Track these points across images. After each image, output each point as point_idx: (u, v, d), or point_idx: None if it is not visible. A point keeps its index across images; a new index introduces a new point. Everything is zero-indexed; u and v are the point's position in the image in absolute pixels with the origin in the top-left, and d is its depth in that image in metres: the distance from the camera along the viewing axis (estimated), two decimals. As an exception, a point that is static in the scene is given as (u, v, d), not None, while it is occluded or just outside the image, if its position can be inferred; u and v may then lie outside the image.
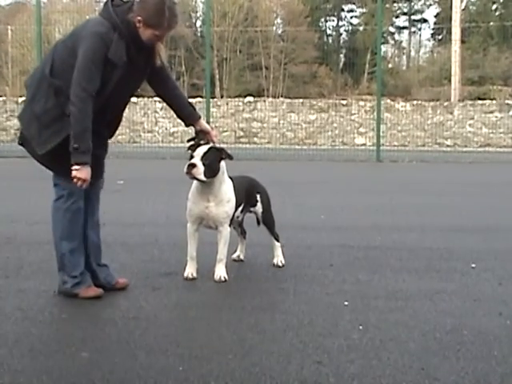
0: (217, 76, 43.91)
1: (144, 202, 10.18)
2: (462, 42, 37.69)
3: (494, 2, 53.24)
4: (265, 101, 30.19)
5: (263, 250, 6.52)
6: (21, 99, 22.15)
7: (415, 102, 29.93)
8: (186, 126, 5.50)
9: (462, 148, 27.39)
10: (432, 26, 59.52)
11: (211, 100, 23.29)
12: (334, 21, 60.28)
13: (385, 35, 50.86)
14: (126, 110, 5.28)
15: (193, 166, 5.33)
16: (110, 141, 5.27)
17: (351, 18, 60.68)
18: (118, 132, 5.34)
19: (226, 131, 29.01)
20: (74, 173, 4.72)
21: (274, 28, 51.55)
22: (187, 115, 5.43)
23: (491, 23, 47.63)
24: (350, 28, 58.78)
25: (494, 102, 29.95)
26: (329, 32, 58.47)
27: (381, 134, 21.20)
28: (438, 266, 6.27)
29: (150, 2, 4.78)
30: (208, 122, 19.72)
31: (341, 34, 58.18)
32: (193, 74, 45.29)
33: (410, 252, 6.82)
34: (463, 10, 44.47)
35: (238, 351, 3.96)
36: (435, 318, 4.66)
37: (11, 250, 6.74)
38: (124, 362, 3.78)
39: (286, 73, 46.27)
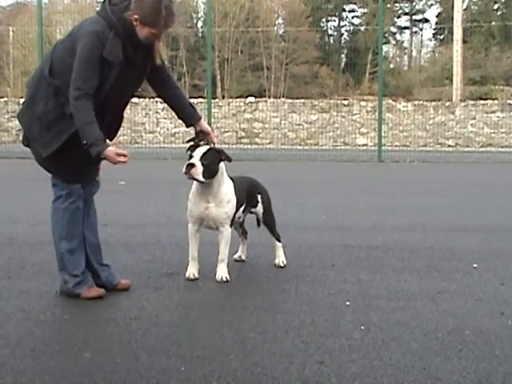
0: (218, 76, 43.90)
1: (146, 203, 10.19)
2: (464, 41, 37.67)
3: (495, 2, 53.19)
4: (266, 101, 30.18)
5: (265, 251, 6.53)
6: (22, 100, 22.14)
7: (417, 102, 29.91)
8: (187, 126, 5.50)
9: (464, 148, 27.36)
10: (433, 26, 59.57)
11: (212, 100, 23.28)
12: (335, 21, 60.28)
13: (386, 35, 50.89)
14: (127, 110, 5.29)
15: (191, 166, 5.33)
16: (111, 142, 5.27)
17: (352, 18, 60.73)
18: (119, 133, 5.33)
19: (228, 132, 29.02)
20: (108, 160, 4.73)
21: (276, 28, 51.52)
22: (188, 116, 5.43)
23: (493, 23, 47.60)
24: (352, 28, 58.80)
25: (496, 101, 29.91)
26: (330, 32, 58.51)
27: (382, 134, 21.19)
28: (439, 265, 6.27)
29: (147, 0, 4.78)
30: (209, 123, 19.79)
31: (342, 34, 58.17)
32: (194, 74, 45.28)
33: (412, 252, 6.82)
34: (465, 9, 44.44)
35: (240, 351, 3.97)
36: (437, 317, 4.66)
37: (13, 250, 6.75)
38: (126, 363, 3.79)
39: (288, 73, 46.24)
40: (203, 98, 25.34)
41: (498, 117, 28.53)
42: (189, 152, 5.45)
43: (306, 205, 10.22)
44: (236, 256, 6.34)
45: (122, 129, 5.33)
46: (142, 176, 15.08)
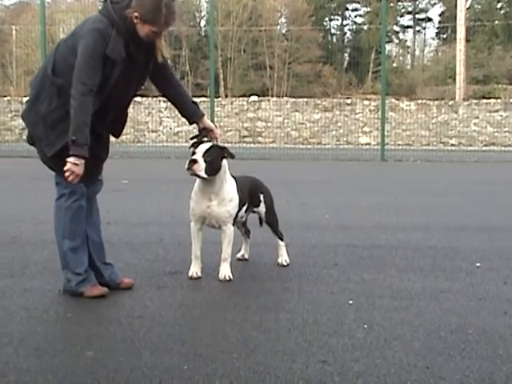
0: (221, 75, 43.87)
1: (148, 202, 10.19)
2: (467, 40, 37.63)
3: (498, 1, 53.07)
4: (269, 100, 30.19)
5: (268, 250, 6.53)
6: (25, 99, 22.14)
7: (420, 101, 29.90)
8: (190, 124, 5.50)
9: (467, 147, 27.35)
10: (437, 25, 59.46)
11: (215, 99, 23.33)
12: (338, 20, 60.24)
13: (389, 34, 50.79)
14: (131, 109, 5.28)
15: (194, 162, 5.33)
16: (114, 140, 5.28)
17: (355, 17, 60.67)
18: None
19: (231, 131, 29.03)
20: (67, 165, 4.70)
21: (278, 27, 51.43)
22: (191, 113, 5.43)
23: (496, 22, 47.54)
24: (355, 27, 58.71)
25: (499, 100, 29.92)
26: (333, 31, 58.46)
27: (385, 133, 21.21)
28: (442, 265, 6.26)
29: None
30: (212, 122, 19.71)
31: (345, 33, 58.15)
32: (197, 73, 45.23)
33: (415, 251, 6.82)
34: (468, 8, 44.38)
35: (243, 350, 3.97)
36: (440, 316, 4.66)
37: (16, 249, 6.76)
38: (129, 361, 3.79)
39: (291, 72, 46.16)
40: (206, 96, 25.31)
41: (501, 116, 28.52)
42: (192, 148, 5.45)
43: (308, 204, 10.22)
44: (239, 255, 6.34)
45: (124, 128, 5.33)
46: (144, 175, 15.10)
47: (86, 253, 5.12)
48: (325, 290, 5.33)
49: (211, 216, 5.58)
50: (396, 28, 57.54)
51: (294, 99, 30.29)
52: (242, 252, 6.38)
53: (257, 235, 6.55)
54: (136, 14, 4.77)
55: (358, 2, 58.56)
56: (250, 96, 31.27)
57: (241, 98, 30.80)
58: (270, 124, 29.31)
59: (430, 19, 60.20)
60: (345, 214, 9.35)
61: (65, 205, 5.01)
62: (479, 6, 54.03)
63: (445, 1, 55.76)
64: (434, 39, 60.62)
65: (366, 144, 27.94)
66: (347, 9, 59.40)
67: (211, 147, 5.40)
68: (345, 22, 60.60)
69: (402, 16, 59.19)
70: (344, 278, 5.74)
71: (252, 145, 26.34)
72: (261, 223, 6.35)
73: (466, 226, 8.33)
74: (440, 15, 58.21)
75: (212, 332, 4.31)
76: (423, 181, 14.48)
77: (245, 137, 29.22)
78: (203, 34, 48.83)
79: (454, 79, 36.50)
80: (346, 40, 57.51)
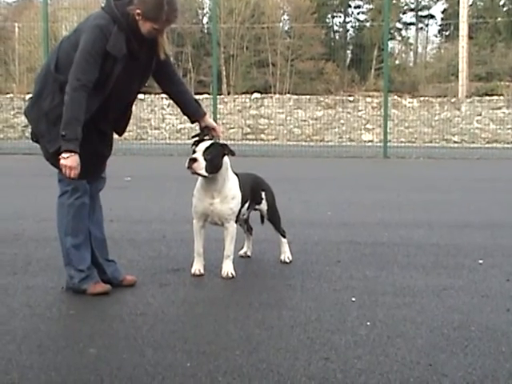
0: (224, 73, 43.89)
1: (151, 199, 10.20)
2: (470, 37, 37.59)
3: (501, -2, 53.12)
4: (272, 97, 30.17)
5: (270, 247, 6.53)
6: (28, 96, 22.15)
7: (422, 99, 29.87)
8: (192, 122, 5.50)
9: (470, 144, 27.34)
10: (439, 22, 59.50)
11: (218, 97, 23.31)
12: (340, 17, 60.21)
13: (392, 31, 50.78)
14: (133, 106, 5.28)
15: (194, 160, 5.32)
16: (117, 138, 5.28)
17: (358, 14, 60.71)
18: (123, 129, 5.33)
19: (233, 128, 29.03)
20: (61, 161, 4.71)
21: (281, 24, 51.48)
22: (193, 111, 5.43)
23: (499, 19, 47.52)
24: (357, 24, 58.66)
25: (502, 97, 29.89)
26: (336, 28, 58.48)
27: (388, 130, 21.20)
28: (445, 262, 6.26)
29: None
30: (215, 119, 19.78)
31: (348, 30, 58.14)
32: (200, 70, 45.27)
33: (418, 248, 6.82)
34: (470, 5, 44.33)
35: (246, 347, 3.97)
36: (443, 314, 4.66)
37: (19, 246, 6.76)
38: (132, 358, 3.79)
39: (293, 69, 46.21)
40: (209, 94, 25.33)
41: (503, 113, 28.49)
42: (193, 147, 5.45)
43: (311, 201, 10.22)
44: (241, 252, 6.34)
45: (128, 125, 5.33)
46: (147, 172, 15.11)
47: (89, 250, 5.12)
48: (327, 287, 5.33)
49: (214, 213, 5.57)
50: (398, 25, 57.54)
51: (296, 96, 30.27)
52: (244, 249, 6.38)
53: (259, 232, 6.56)
54: (138, 11, 4.77)
55: (361, -1, 58.58)
56: (252, 93, 31.26)
57: (243, 95, 30.80)
58: (272, 121, 29.31)
59: (432, 16, 60.25)
60: (347, 210, 9.35)
61: (67, 202, 5.01)
62: (482, 3, 53.96)
63: (447, -2, 55.72)
64: (436, 36, 60.72)
65: (369, 141, 27.91)
66: (350, 6, 59.42)
67: (211, 145, 5.39)
68: (347, 19, 60.63)
69: (404, 13, 59.17)
70: (347, 275, 5.74)
71: (254, 142, 26.35)
72: (262, 221, 6.35)
73: (468, 223, 8.33)
74: (442, 12, 58.21)
75: (215, 329, 4.31)
76: (426, 178, 14.48)
77: (247, 134, 29.23)
78: (206, 31, 48.94)
79: (457, 76, 36.47)
80: (348, 37, 57.51)
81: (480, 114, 28.68)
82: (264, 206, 6.11)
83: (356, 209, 9.52)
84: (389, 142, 21.19)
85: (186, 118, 5.48)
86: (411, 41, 59.63)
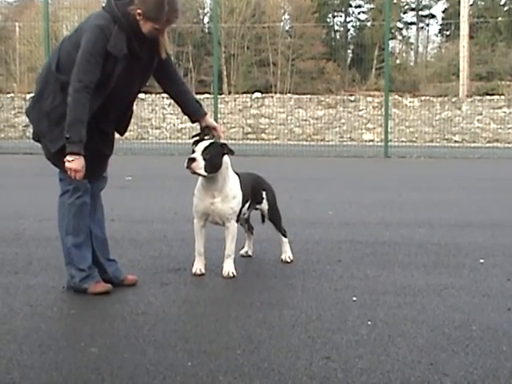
0: (224, 72, 43.88)
1: (152, 198, 10.20)
2: (470, 37, 37.57)
3: (502, -3, 53.09)
4: (272, 97, 30.15)
5: (271, 246, 6.53)
6: (29, 96, 22.16)
7: (423, 98, 29.85)
8: (192, 122, 5.49)
9: (470, 144, 27.32)
10: (440, 22, 59.47)
11: (219, 96, 23.31)
12: (341, 16, 60.17)
13: (392, 31, 50.75)
14: (134, 106, 5.28)
15: (192, 160, 5.32)
16: (118, 137, 5.28)
17: (359, 13, 60.69)
18: (124, 129, 5.33)
19: (234, 127, 29.03)
20: (66, 163, 4.72)
21: (282, 24, 51.45)
22: (193, 111, 5.43)
23: (499, 18, 47.50)
24: (358, 24, 58.65)
25: (503, 97, 29.87)
26: (336, 28, 58.42)
27: (389, 129, 21.19)
28: (446, 261, 6.26)
29: None
30: (216, 119, 19.81)
31: (348, 30, 58.10)
32: (200, 70, 45.26)
33: (419, 247, 6.82)
34: (471, 5, 44.28)
35: (247, 347, 3.97)
36: (444, 313, 4.66)
37: (20, 246, 6.77)
38: (133, 358, 3.79)
39: (294, 69, 46.17)
40: (209, 93, 25.33)
41: (504, 112, 28.48)
42: (192, 147, 5.44)
43: (312, 200, 10.22)
44: (242, 251, 6.34)
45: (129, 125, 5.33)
46: (148, 172, 15.12)
47: (90, 249, 5.12)
48: (328, 287, 5.33)
49: (215, 213, 5.57)
50: (399, 25, 57.55)
51: (297, 96, 30.25)
52: (245, 249, 6.38)
53: (260, 232, 6.56)
54: (139, 11, 4.77)
55: (362, -1, 58.57)
56: (253, 93, 31.25)
57: (244, 95, 30.78)
58: (273, 121, 29.30)
59: (433, 16, 60.26)
60: (348, 210, 9.35)
61: (68, 201, 5.01)
62: (482, 3, 53.95)
63: (448, -3, 55.70)
64: (437, 36, 60.68)
65: (370, 140, 27.89)
66: (350, 5, 59.37)
67: (210, 144, 5.38)
68: (348, 19, 60.60)
69: (405, 13, 59.15)
70: (348, 274, 5.74)
71: (255, 141, 26.36)
72: (263, 220, 6.35)
73: (469, 223, 8.33)
74: (443, 12, 58.16)
75: (216, 328, 4.31)
76: (426, 177, 14.48)
77: (248, 133, 29.22)
78: (206, 30, 48.89)
79: (458, 76, 36.46)
80: (349, 37, 57.48)
81: (481, 114, 28.67)
82: (265, 205, 6.11)
83: (357, 208, 9.52)
84: (390, 141, 21.19)
85: (186, 117, 5.48)
86: (412, 40, 59.68)
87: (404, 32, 59.46)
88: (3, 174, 14.51)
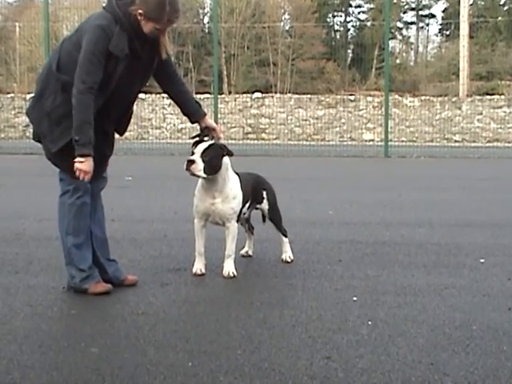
0: (224, 72, 43.85)
1: (152, 198, 10.20)
2: (470, 37, 37.55)
3: (502, -3, 53.07)
4: (273, 97, 30.15)
5: (271, 246, 6.53)
6: (29, 96, 22.15)
7: (423, 98, 29.86)
8: (192, 122, 5.49)
9: (471, 143, 27.33)
10: (440, 22, 59.43)
11: (219, 96, 23.31)
12: (341, 16, 60.18)
13: (392, 31, 50.71)
14: (134, 106, 5.28)
15: (192, 162, 5.32)
16: (118, 137, 5.28)
17: (359, 13, 60.66)
18: (125, 128, 5.34)
19: (234, 127, 29.03)
20: (75, 165, 4.73)
21: (282, 24, 51.41)
22: (193, 112, 5.43)
23: (499, 18, 47.48)
24: (358, 23, 58.62)
25: (503, 97, 29.87)
26: (336, 28, 58.38)
27: (389, 129, 21.19)
28: (446, 261, 6.26)
29: None
30: (216, 119, 19.82)
31: (348, 30, 58.06)
32: (200, 70, 45.24)
33: (419, 247, 6.82)
34: (471, 4, 44.27)
35: (247, 347, 3.97)
36: (444, 313, 4.66)
37: (20, 246, 6.77)
38: (133, 358, 3.79)
39: (294, 69, 46.14)
40: (210, 93, 25.32)
41: (504, 112, 28.49)
42: (192, 148, 5.44)
43: (312, 200, 10.22)
44: (243, 251, 6.34)
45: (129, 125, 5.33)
46: (148, 172, 15.12)
47: (90, 249, 5.12)
48: (329, 287, 5.33)
49: (215, 213, 5.57)
50: (399, 24, 57.52)
51: (297, 96, 30.25)
52: (245, 248, 6.38)
53: (260, 232, 6.56)
54: (140, 11, 4.77)
55: (362, -1, 58.56)
56: (253, 93, 31.25)
57: (244, 95, 30.78)
58: (273, 120, 29.30)
59: (433, 15, 60.23)
60: (348, 210, 9.35)
61: (68, 201, 5.02)
62: (482, 3, 53.93)
63: (448, -3, 55.69)
64: (437, 35, 60.62)
65: (370, 140, 27.89)
66: (350, 5, 59.35)
67: (209, 146, 5.37)
68: (348, 19, 60.58)
69: (405, 12, 59.13)
70: (348, 274, 5.74)
71: (255, 141, 26.35)
72: (264, 220, 6.35)
73: (469, 222, 8.33)
74: (443, 11, 58.13)
75: (216, 328, 4.31)
76: (427, 177, 14.47)
77: (248, 133, 29.22)
78: (207, 30, 48.87)
79: (458, 75, 36.44)
80: (349, 36, 57.44)
81: (481, 113, 28.67)
82: (265, 205, 6.11)
83: (357, 208, 9.52)
84: (390, 141, 21.19)
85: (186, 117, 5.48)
86: (412, 40, 59.63)
87: (404, 32, 59.49)
88: (3, 173, 14.51)
